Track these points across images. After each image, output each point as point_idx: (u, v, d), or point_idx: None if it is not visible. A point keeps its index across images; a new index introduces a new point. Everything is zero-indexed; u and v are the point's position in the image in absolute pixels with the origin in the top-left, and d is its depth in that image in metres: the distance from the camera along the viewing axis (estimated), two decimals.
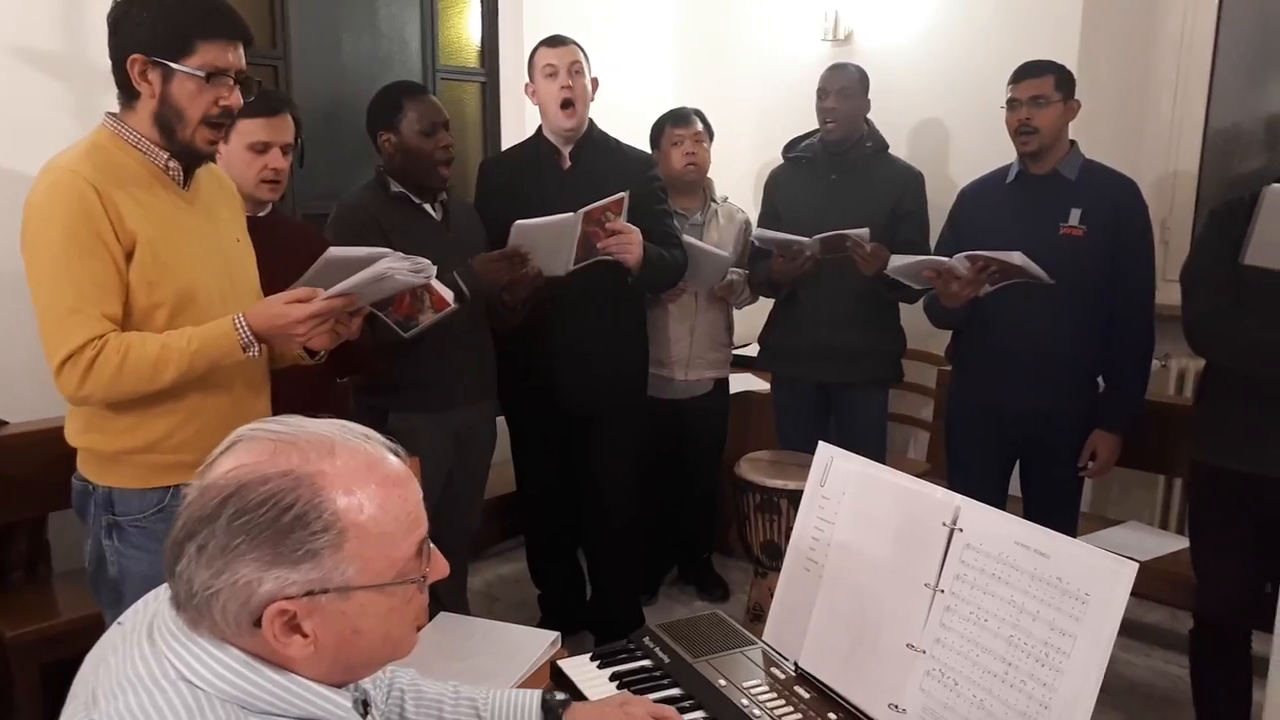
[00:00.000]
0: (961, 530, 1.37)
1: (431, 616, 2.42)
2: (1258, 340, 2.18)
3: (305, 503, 0.89)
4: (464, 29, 3.99)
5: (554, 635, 2.32)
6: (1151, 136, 3.61)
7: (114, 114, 1.77)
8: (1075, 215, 2.60)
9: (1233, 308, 2.24)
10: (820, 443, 1.68)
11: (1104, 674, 1.17)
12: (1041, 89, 2.58)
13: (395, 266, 1.84)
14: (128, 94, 1.74)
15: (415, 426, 2.62)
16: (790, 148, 3.25)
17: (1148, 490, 3.57)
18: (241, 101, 1.78)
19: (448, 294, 2.34)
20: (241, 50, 1.76)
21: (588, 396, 2.91)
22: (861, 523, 1.53)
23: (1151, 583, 2.88)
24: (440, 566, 1.02)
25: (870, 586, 1.48)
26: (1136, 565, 1.17)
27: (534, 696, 1.39)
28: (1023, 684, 1.25)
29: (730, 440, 3.57)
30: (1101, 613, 1.18)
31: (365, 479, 0.93)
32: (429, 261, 1.95)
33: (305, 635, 0.91)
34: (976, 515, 1.37)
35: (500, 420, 3.01)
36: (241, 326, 1.74)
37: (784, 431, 3.28)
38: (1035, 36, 3.34)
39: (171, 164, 1.78)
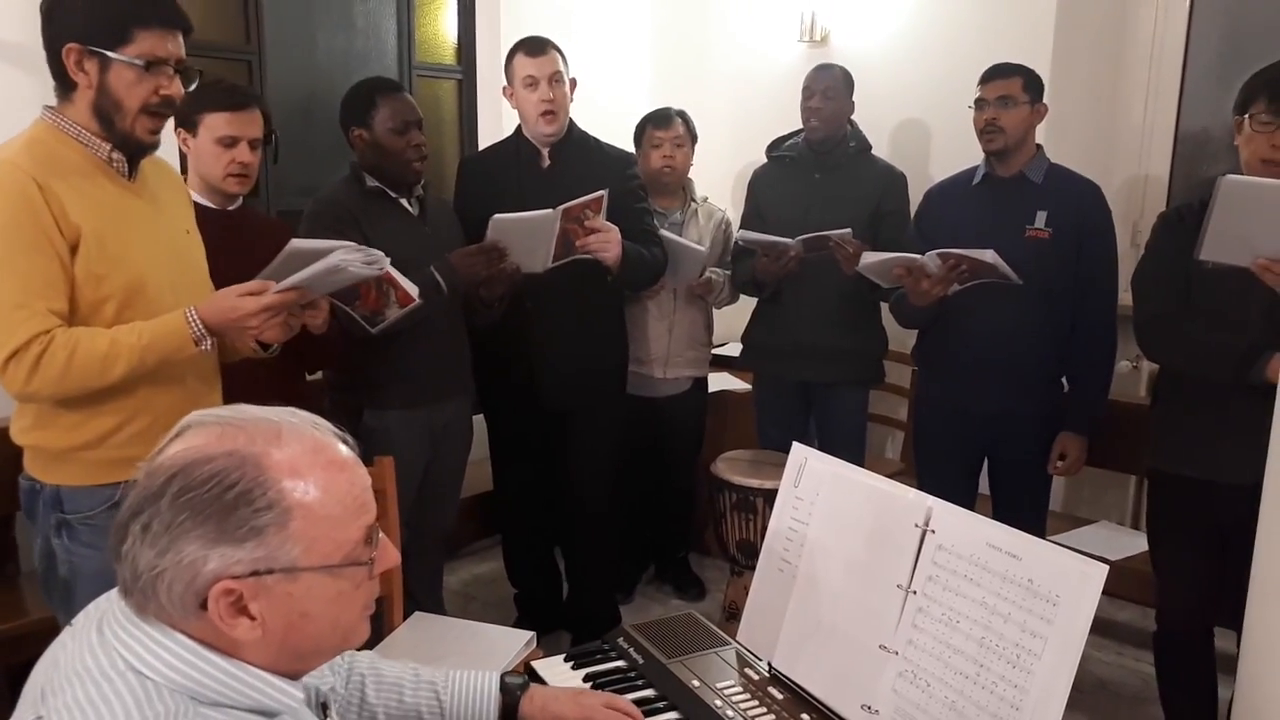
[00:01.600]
0: (934, 532, 1.38)
1: (406, 615, 2.41)
2: (1203, 342, 2.19)
3: (250, 480, 0.89)
4: (441, 26, 3.97)
5: (529, 635, 2.32)
6: (1123, 140, 3.65)
7: (51, 107, 1.74)
8: (1041, 218, 2.62)
9: (1180, 311, 2.25)
10: (795, 444, 1.68)
11: (1075, 674, 1.18)
12: (1009, 89, 2.60)
13: (347, 259, 1.81)
14: (64, 85, 1.71)
15: (390, 424, 2.61)
16: (774, 147, 3.27)
17: (1119, 490, 3.61)
18: (182, 91, 1.75)
19: (413, 289, 2.33)
20: (180, 39, 1.74)
21: (565, 393, 2.90)
22: (834, 524, 1.53)
23: (1122, 582, 2.90)
24: (390, 555, 1.01)
25: (843, 587, 1.49)
26: (1106, 568, 1.18)
27: (492, 677, 1.40)
28: (994, 685, 1.26)
29: (708, 439, 3.58)
30: (1071, 614, 1.19)
31: (311, 462, 0.93)
32: (381, 253, 1.93)
33: (252, 618, 0.91)
34: (948, 517, 1.38)
35: (478, 418, 3.00)
36: (193, 320, 1.72)
37: (765, 430, 3.29)
38: (1009, 39, 3.36)
39: (115, 155, 1.75)
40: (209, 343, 1.74)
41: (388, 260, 1.98)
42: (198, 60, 3.16)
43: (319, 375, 2.77)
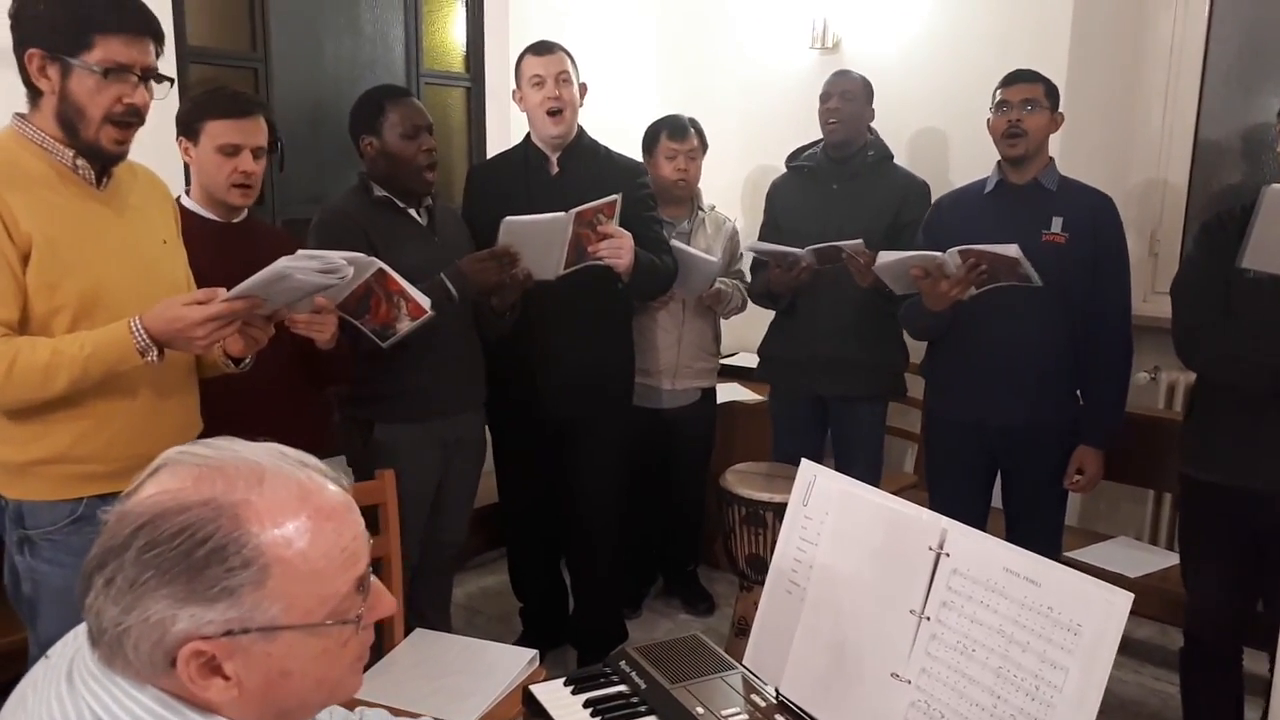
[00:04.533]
0: (948, 555, 1.32)
1: (409, 631, 2.36)
2: (1245, 352, 2.16)
3: (224, 534, 0.82)
4: (449, 33, 3.94)
5: (531, 654, 2.26)
6: (1141, 147, 3.58)
7: (21, 114, 1.71)
8: (1058, 223, 2.57)
9: (1222, 320, 2.21)
10: (803, 460, 1.63)
11: (1097, 708, 1.12)
12: (1032, 93, 2.56)
13: (295, 265, 1.74)
14: (33, 91, 1.68)
15: (401, 438, 2.56)
16: (793, 157, 3.22)
17: (1137, 505, 3.54)
18: (149, 100, 1.71)
19: (424, 301, 2.28)
20: (150, 46, 1.69)
21: (568, 404, 2.85)
22: (844, 544, 1.48)
23: (1141, 599, 2.80)
24: (384, 604, 0.95)
25: (853, 611, 1.43)
26: (1131, 596, 1.13)
27: None
28: (1011, 718, 1.20)
29: (717, 451, 3.52)
30: (1095, 645, 1.14)
31: (295, 510, 0.86)
32: (344, 260, 1.86)
33: (227, 678, 0.84)
34: (964, 539, 1.32)
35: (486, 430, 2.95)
36: (137, 330, 1.65)
37: (780, 444, 3.23)
38: (1024, 45, 3.31)
39: (79, 162, 1.71)
40: (154, 354, 1.67)
41: (351, 270, 1.91)
42: (204, 69, 3.18)
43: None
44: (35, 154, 1.68)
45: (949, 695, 1.27)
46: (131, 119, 1.71)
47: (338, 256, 1.88)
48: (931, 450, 2.88)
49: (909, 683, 1.32)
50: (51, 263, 1.65)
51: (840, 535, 1.49)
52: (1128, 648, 3.27)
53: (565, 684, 1.61)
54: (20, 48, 1.65)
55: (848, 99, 3.01)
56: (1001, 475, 2.78)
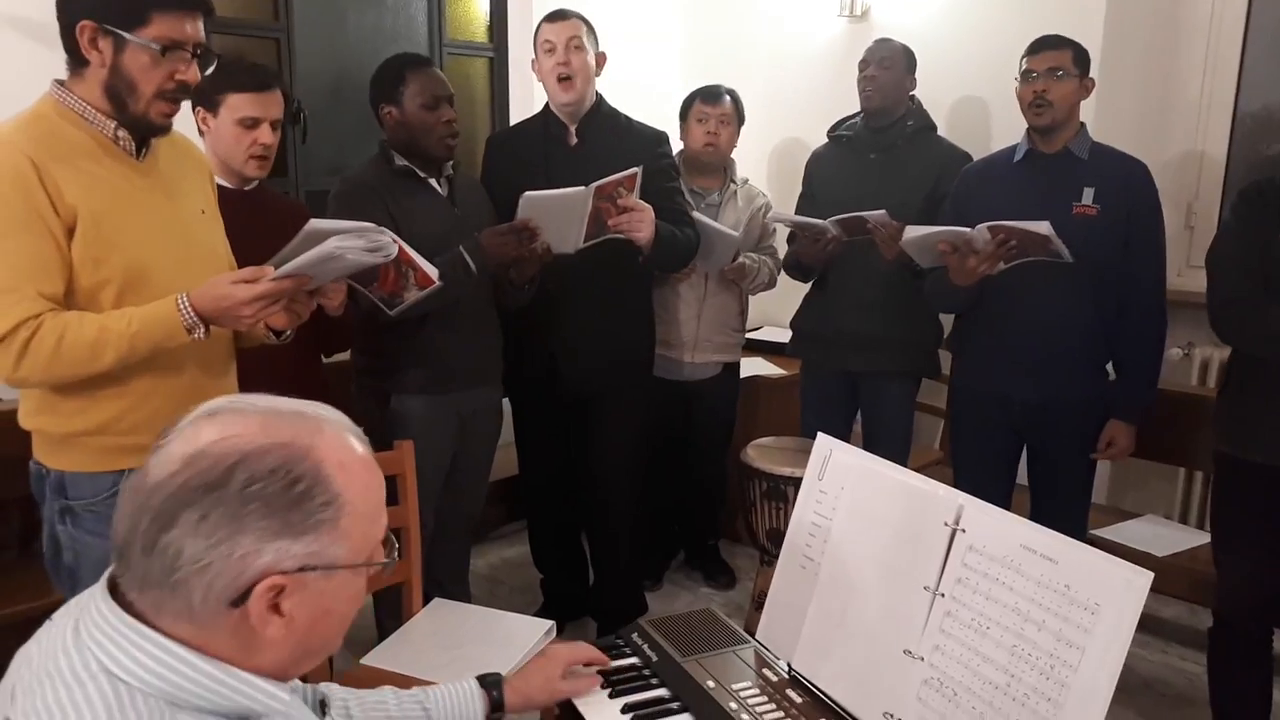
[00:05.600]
0: (964, 531, 1.30)
1: (427, 601, 2.37)
2: None
3: (311, 474, 0.87)
4: (472, 3, 3.91)
5: (549, 624, 2.27)
6: (1178, 117, 3.49)
7: (60, 81, 1.68)
8: (1089, 194, 2.50)
9: (1260, 293, 2.15)
10: (819, 434, 1.61)
11: (1113, 689, 1.10)
12: (1059, 61, 2.49)
13: (344, 246, 1.73)
14: (76, 60, 1.65)
15: (417, 409, 2.56)
16: (835, 128, 3.16)
17: (1167, 483, 3.48)
18: (199, 76, 1.69)
19: (432, 271, 2.26)
20: (200, 22, 1.67)
21: (587, 377, 2.83)
22: (860, 519, 1.46)
23: (1169, 578, 2.80)
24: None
25: (867, 587, 1.41)
26: (1150, 575, 1.10)
27: (470, 684, 1.40)
28: (1026, 698, 1.18)
29: (740, 425, 3.50)
30: (1113, 625, 1.11)
31: (351, 457, 0.92)
32: (390, 239, 1.85)
33: (282, 615, 0.88)
34: (981, 515, 1.29)
35: (506, 403, 2.94)
36: (185, 308, 1.65)
37: (807, 420, 3.18)
38: (1058, 12, 3.22)
39: (121, 134, 1.69)
40: (202, 331, 1.67)
41: (395, 246, 1.90)
42: (226, 39, 3.17)
43: (346, 357, 2.73)
44: (76, 124, 1.66)
45: (962, 673, 1.25)
46: (181, 95, 1.69)
47: (376, 233, 1.85)
48: (957, 425, 2.84)
49: (922, 660, 1.30)
50: (96, 237, 1.64)
51: (855, 510, 1.47)
52: (1154, 627, 3.23)
53: None
54: (70, 17, 1.62)
55: (885, 67, 2.95)
56: (1027, 451, 2.73)
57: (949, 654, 1.27)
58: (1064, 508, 2.63)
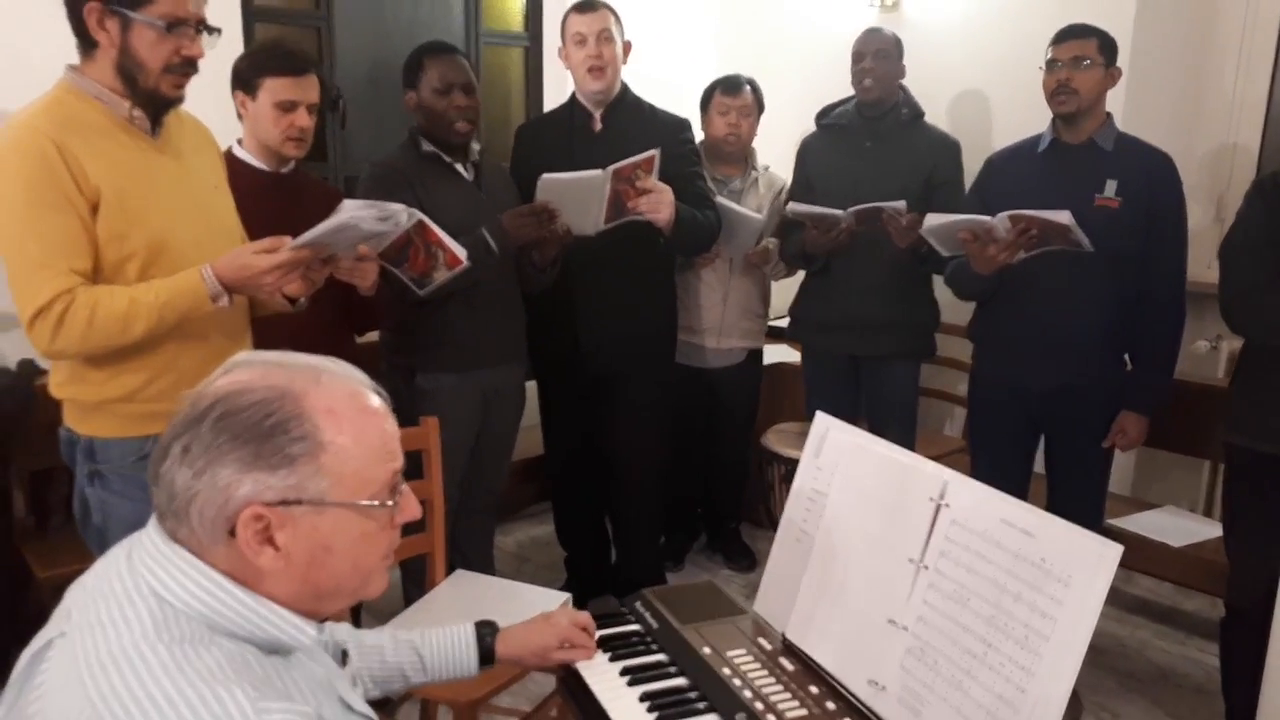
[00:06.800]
0: (948, 506, 1.34)
1: (450, 571, 2.45)
2: None
3: (287, 412, 0.94)
4: None
5: (565, 596, 2.34)
6: (1210, 109, 3.46)
7: (74, 66, 1.76)
8: (1111, 187, 2.51)
9: (1274, 283, 2.15)
10: (818, 413, 1.66)
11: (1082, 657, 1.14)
12: (1084, 50, 2.49)
13: (359, 215, 1.81)
14: (86, 43, 1.72)
15: (442, 386, 2.64)
16: (823, 115, 3.18)
17: (1192, 475, 3.47)
18: (203, 51, 1.76)
19: (461, 252, 2.33)
20: None
21: (611, 359, 2.89)
22: (851, 495, 1.51)
23: (1186, 569, 2.81)
24: (412, 507, 1.06)
25: (857, 559, 1.46)
26: (1120, 548, 1.13)
27: (467, 627, 1.47)
28: (1001, 666, 1.22)
29: (762, 411, 3.54)
30: (1082, 596, 1.15)
31: (346, 404, 0.98)
32: (401, 207, 1.93)
33: (277, 547, 0.94)
34: (964, 491, 1.33)
35: (530, 383, 3.01)
36: (209, 277, 1.74)
37: (812, 404, 3.22)
38: (1088, 3, 3.21)
39: (136, 113, 1.77)
40: (226, 299, 1.76)
41: (406, 216, 1.98)
42: (268, 28, 3.27)
43: (374, 337, 2.82)
44: (92, 105, 1.74)
45: (943, 642, 1.30)
46: (188, 69, 1.77)
47: (395, 206, 1.94)
48: (975, 413, 2.87)
49: (906, 629, 1.35)
50: (119, 213, 1.72)
51: (847, 486, 1.52)
52: (1175, 619, 3.23)
53: None
54: (77, 1, 1.69)
55: (881, 57, 2.96)
56: (1045, 440, 2.75)
57: (931, 624, 1.32)
58: (1080, 497, 2.65)
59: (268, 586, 0.96)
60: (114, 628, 0.90)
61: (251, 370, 0.97)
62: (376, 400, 1.02)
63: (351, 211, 1.80)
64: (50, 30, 1.76)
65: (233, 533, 0.93)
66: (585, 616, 1.55)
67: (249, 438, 0.92)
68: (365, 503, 0.98)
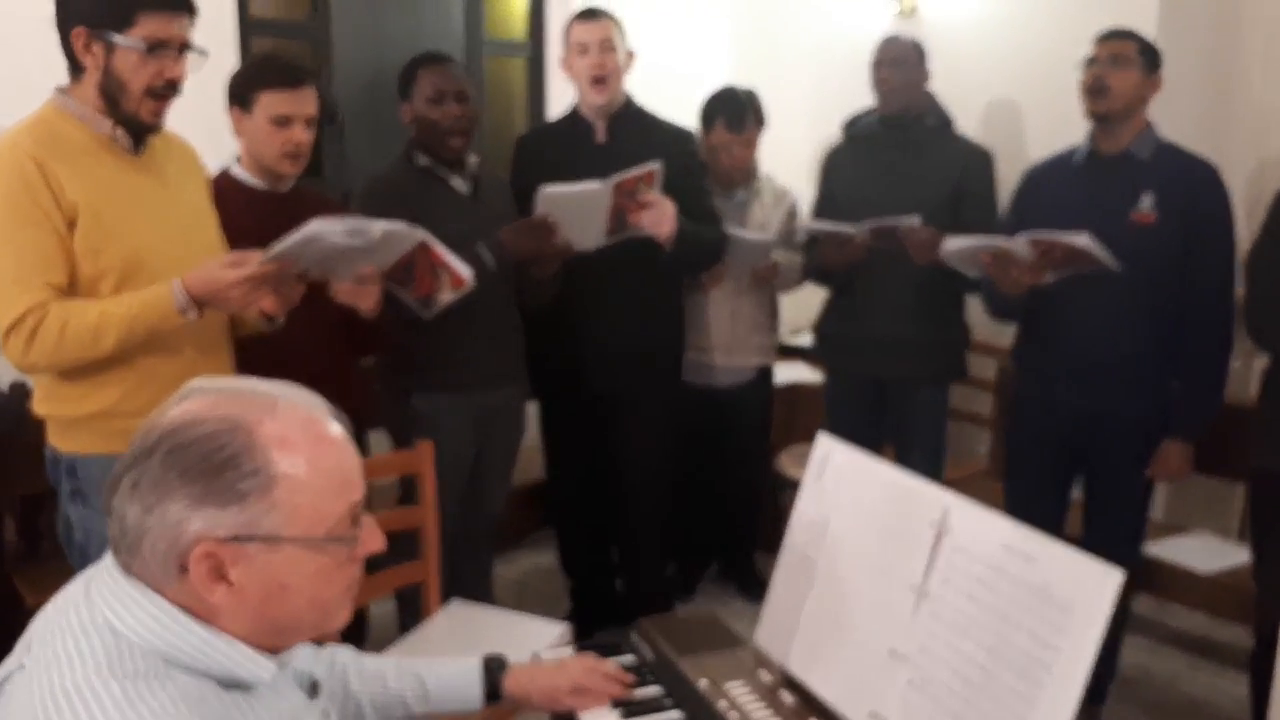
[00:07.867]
0: (950, 531, 1.26)
1: (445, 600, 2.37)
2: None
3: (238, 445, 0.91)
4: (511, 2, 3.92)
5: (562, 626, 2.26)
6: (1240, 119, 3.35)
7: (62, 88, 1.80)
8: (1148, 201, 2.39)
9: None
10: (820, 434, 1.58)
11: (1083, 688, 1.06)
12: (1122, 49, 2.40)
13: (325, 229, 1.81)
14: (75, 67, 1.77)
15: (438, 407, 2.57)
16: (851, 125, 3.08)
17: (1228, 499, 3.32)
18: (186, 73, 1.79)
19: (466, 272, 2.27)
20: (187, 20, 1.78)
21: (615, 378, 2.81)
22: (853, 519, 1.43)
23: (1215, 597, 2.68)
24: (375, 539, 1.02)
25: (858, 587, 1.38)
26: (1122, 573, 1.06)
27: (475, 662, 1.42)
28: (1001, 696, 1.14)
29: (776, 433, 3.43)
30: (1084, 624, 1.07)
31: (300, 434, 0.95)
32: (373, 222, 1.92)
33: (230, 584, 0.92)
34: (966, 516, 1.26)
35: (532, 405, 2.94)
36: (177, 290, 1.75)
37: (834, 428, 3.10)
38: (1109, 10, 3.12)
39: (118, 132, 1.80)
40: (195, 312, 1.76)
41: (378, 231, 1.93)
42: (263, 40, 3.24)
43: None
44: (76, 126, 1.78)
45: (945, 673, 1.21)
46: (169, 92, 1.80)
47: (371, 222, 1.92)
48: (1011, 437, 2.75)
49: (907, 659, 1.27)
50: (96, 229, 1.74)
51: (850, 509, 1.44)
52: (1208, 649, 3.09)
53: (576, 652, 1.59)
54: (65, 25, 1.74)
55: (898, 66, 2.86)
56: (1083, 466, 2.62)
57: (933, 654, 1.24)
58: (1118, 526, 2.53)
59: (223, 622, 0.94)
60: (69, 662, 0.89)
61: (204, 399, 0.94)
62: (335, 429, 0.99)
63: (317, 225, 1.79)
64: (53, 53, 1.80)
65: (185, 569, 0.91)
66: (609, 664, 1.48)
67: (198, 473, 0.90)
68: (321, 538, 0.95)
